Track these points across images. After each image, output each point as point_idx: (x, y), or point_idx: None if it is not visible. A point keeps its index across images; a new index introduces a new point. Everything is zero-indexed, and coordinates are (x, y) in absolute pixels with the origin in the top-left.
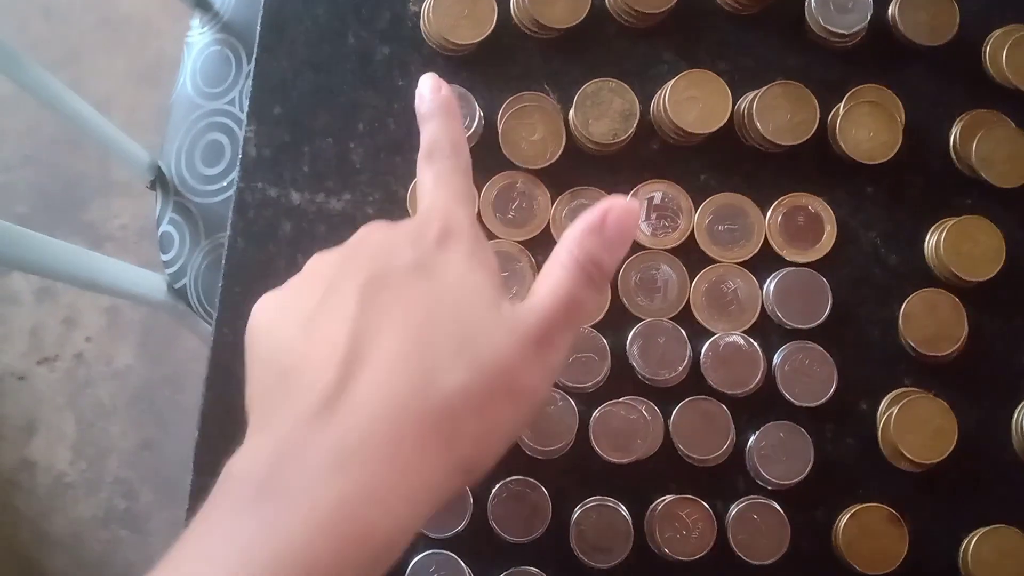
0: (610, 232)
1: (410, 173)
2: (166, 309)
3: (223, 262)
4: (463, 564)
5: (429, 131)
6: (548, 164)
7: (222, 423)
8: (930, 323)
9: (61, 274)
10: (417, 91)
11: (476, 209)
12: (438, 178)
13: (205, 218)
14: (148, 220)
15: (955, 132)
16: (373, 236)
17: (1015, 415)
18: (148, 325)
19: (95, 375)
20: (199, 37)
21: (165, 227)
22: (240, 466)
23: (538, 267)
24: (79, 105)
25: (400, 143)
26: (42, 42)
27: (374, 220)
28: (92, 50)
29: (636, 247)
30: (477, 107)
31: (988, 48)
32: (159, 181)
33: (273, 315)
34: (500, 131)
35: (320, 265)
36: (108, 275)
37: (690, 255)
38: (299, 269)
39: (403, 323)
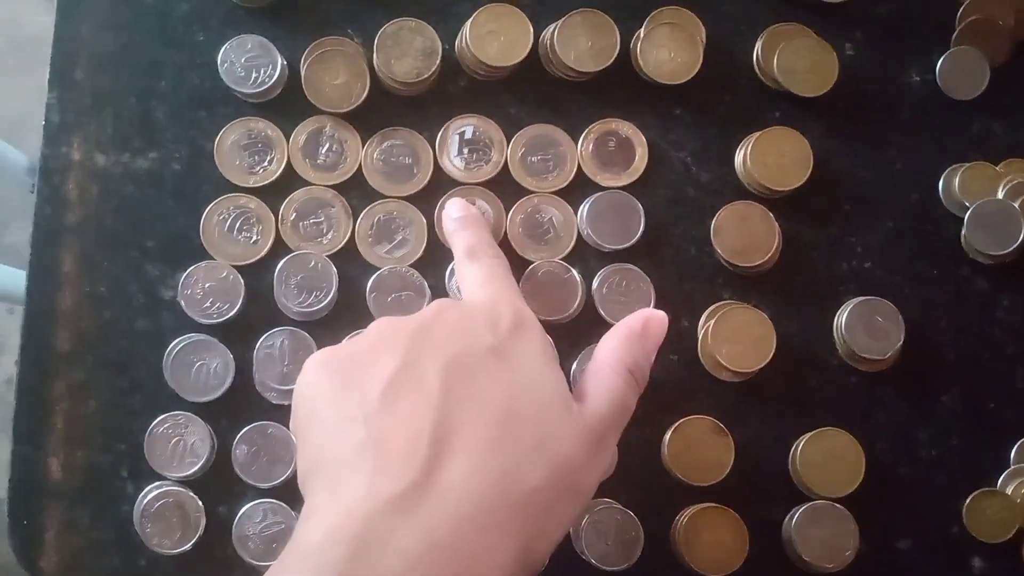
0: (649, 341)
1: (216, 127)
2: None
3: (31, 230)
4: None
5: (466, 236)
6: (354, 107)
7: (38, 391)
8: (741, 235)
9: None
10: (444, 210)
11: None
12: (492, 274)
13: None
14: None
15: (758, 47)
16: (449, 314)
17: (835, 319)
18: None
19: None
20: None
21: None
22: (317, 540)
23: (353, 212)
24: None
25: (203, 97)
26: None
27: (443, 299)
28: (3, 73)
29: (450, 182)
30: (279, 56)
31: None
32: None
33: (337, 378)
34: (303, 77)
35: (391, 333)
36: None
37: (505, 188)
38: (108, 232)
39: (487, 413)
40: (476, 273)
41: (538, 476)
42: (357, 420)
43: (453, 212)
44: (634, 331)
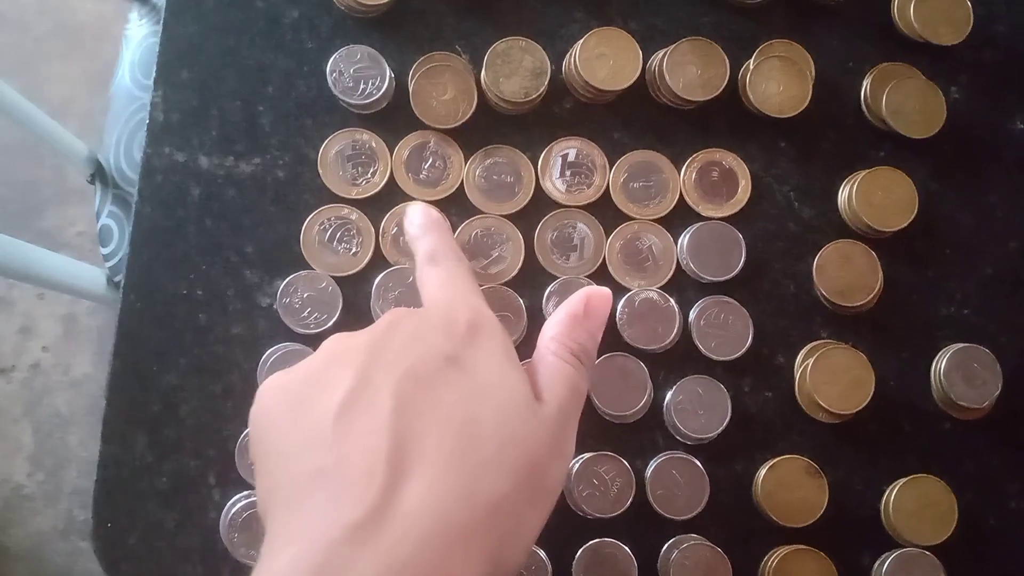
0: (592, 321)
1: (320, 136)
2: (108, 303)
3: (130, 229)
4: None
5: (428, 241)
6: (459, 123)
7: (131, 391)
8: (844, 274)
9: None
10: (406, 217)
11: None
12: (450, 277)
13: None
14: None
15: (866, 85)
16: (402, 325)
17: (933, 364)
18: (105, 332)
19: (52, 384)
20: (137, 30)
21: (104, 220)
22: (277, 570)
23: (453, 226)
24: (29, 109)
25: (310, 105)
26: None
27: (398, 308)
28: (47, 57)
29: (551, 204)
30: (387, 68)
31: (896, 1)
32: (98, 175)
33: (291, 403)
34: (411, 91)
35: (343, 350)
36: (46, 268)
37: (605, 212)
38: (208, 235)
39: (446, 424)
40: (435, 276)
41: (504, 482)
42: (313, 446)
43: (415, 218)
44: (575, 313)
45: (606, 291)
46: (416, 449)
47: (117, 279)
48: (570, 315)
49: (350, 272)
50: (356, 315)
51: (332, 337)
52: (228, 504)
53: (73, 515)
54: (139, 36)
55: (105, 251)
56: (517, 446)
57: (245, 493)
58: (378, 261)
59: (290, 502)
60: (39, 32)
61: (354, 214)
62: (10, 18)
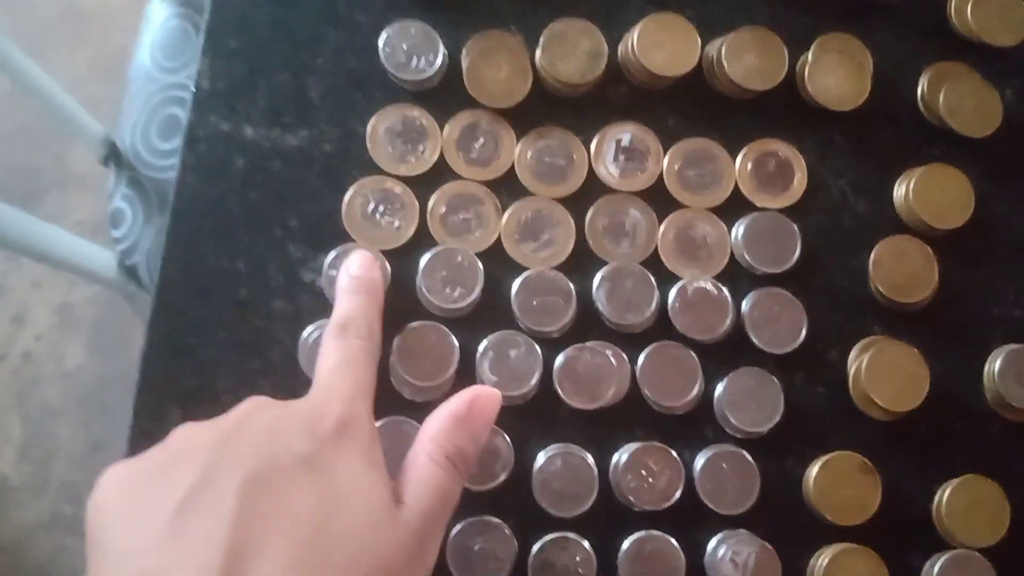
0: (476, 423)
1: (370, 111)
2: (117, 288)
3: (172, 197)
4: None
5: (348, 305)
6: (514, 104)
7: (166, 364)
8: (900, 270)
9: (10, 240)
10: (345, 263)
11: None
12: (347, 360)
13: (159, 194)
14: (105, 215)
15: (923, 83)
16: (259, 417)
17: (987, 365)
18: (100, 324)
19: (44, 375)
20: (159, 10)
21: (117, 202)
22: None
23: (502, 208)
24: (46, 83)
25: (361, 80)
26: (4, 34)
27: (257, 396)
28: (54, 43)
29: (604, 189)
30: (441, 45)
31: (953, 1)
32: (112, 156)
33: (130, 498)
34: (464, 68)
35: (191, 444)
36: (58, 247)
37: (659, 200)
38: (251, 207)
39: (293, 531)
40: (333, 353)
41: None
42: (143, 550)
43: (352, 268)
44: (458, 414)
45: (494, 392)
46: (257, 558)
47: (129, 263)
48: (452, 414)
49: (394, 246)
50: (402, 293)
51: (181, 426)
52: None
53: (59, 510)
54: (160, 17)
55: (117, 234)
56: (371, 555)
57: None
58: (424, 240)
59: None
60: (47, 19)
61: (399, 187)
62: (19, 3)
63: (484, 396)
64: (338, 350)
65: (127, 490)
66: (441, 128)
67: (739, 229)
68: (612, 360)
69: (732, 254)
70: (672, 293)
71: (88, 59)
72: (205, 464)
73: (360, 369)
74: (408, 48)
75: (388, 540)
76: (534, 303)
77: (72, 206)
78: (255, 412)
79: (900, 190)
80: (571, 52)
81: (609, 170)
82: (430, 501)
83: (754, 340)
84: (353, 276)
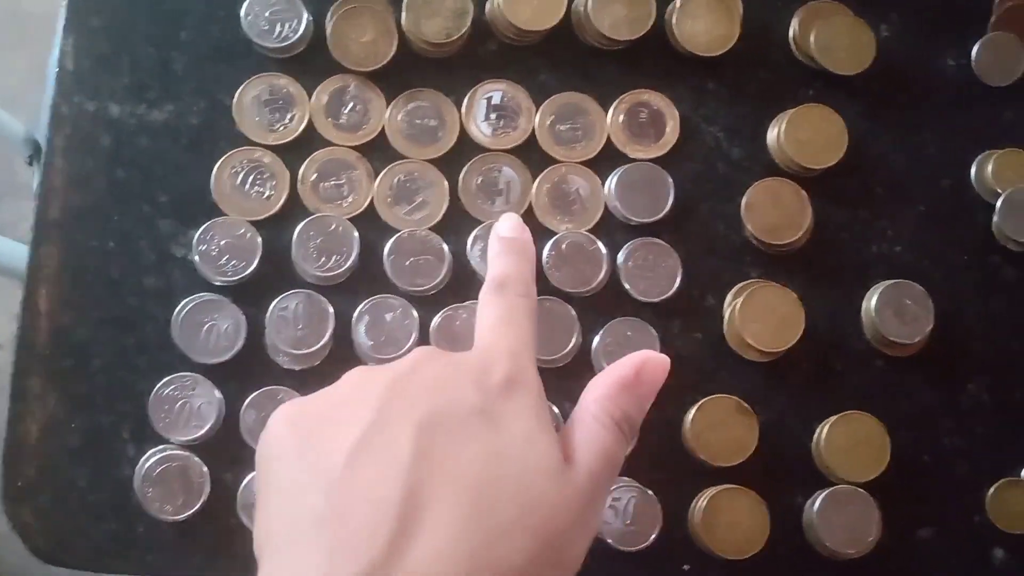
0: (643, 389)
1: (236, 81)
2: None
3: (37, 181)
4: None
5: (504, 264)
6: (380, 66)
7: (38, 347)
8: (773, 212)
9: None
10: (496, 226)
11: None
12: (509, 315)
13: None
14: None
15: (794, 23)
16: (430, 366)
17: (864, 301)
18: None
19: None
20: None
21: None
22: None
23: (375, 172)
24: None
25: (225, 51)
26: None
27: (426, 346)
28: None
29: (477, 148)
30: (304, 10)
31: None
32: (36, 154)
33: (302, 436)
34: (328, 33)
35: (365, 385)
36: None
37: (531, 156)
38: (119, 185)
39: (464, 481)
40: (493, 310)
41: (518, 554)
42: (317, 488)
43: (503, 230)
44: (626, 379)
45: (663, 358)
46: (430, 505)
47: None
48: (619, 379)
49: (263, 216)
50: (276, 264)
51: (356, 369)
52: (142, 459)
53: None
54: None
55: None
56: (539, 513)
57: (160, 447)
58: (296, 209)
59: (286, 548)
60: None
61: (267, 157)
62: None
63: (653, 363)
64: (498, 307)
65: (299, 431)
66: (310, 95)
67: (612, 181)
68: None
69: (606, 207)
70: (546, 249)
71: (27, 64)
72: (379, 406)
73: (521, 325)
74: (271, 15)
75: (556, 499)
76: (407, 264)
77: (26, 213)
78: (425, 361)
79: (772, 133)
80: (436, 11)
81: (481, 129)
82: (597, 463)
83: (630, 290)
84: (503, 238)
